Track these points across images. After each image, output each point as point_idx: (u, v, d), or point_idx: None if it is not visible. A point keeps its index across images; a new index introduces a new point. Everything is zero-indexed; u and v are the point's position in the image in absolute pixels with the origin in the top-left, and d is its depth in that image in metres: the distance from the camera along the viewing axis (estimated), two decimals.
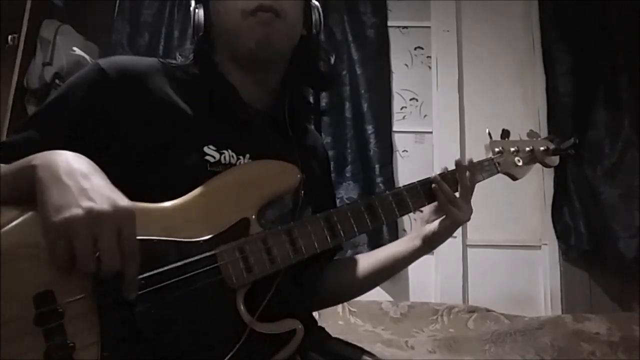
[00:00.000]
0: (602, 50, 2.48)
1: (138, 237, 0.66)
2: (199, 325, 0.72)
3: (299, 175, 0.85)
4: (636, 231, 2.26)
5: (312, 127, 1.13)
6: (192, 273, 0.72)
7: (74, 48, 2.29)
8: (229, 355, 0.71)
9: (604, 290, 2.36)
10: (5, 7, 2.07)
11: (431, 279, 2.39)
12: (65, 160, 0.68)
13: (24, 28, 2.19)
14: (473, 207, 0.98)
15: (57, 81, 2.17)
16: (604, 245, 2.32)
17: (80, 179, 0.65)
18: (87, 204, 0.62)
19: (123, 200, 0.65)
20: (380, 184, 2.42)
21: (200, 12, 0.89)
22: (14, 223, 0.66)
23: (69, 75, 2.15)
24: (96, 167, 0.70)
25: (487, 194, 2.42)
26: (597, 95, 2.46)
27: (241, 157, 0.86)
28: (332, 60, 1.00)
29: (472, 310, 2.14)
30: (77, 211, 0.61)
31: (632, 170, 2.32)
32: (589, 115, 2.43)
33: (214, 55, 0.93)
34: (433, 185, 0.94)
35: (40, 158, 0.68)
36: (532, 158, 1.13)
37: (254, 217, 0.79)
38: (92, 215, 0.62)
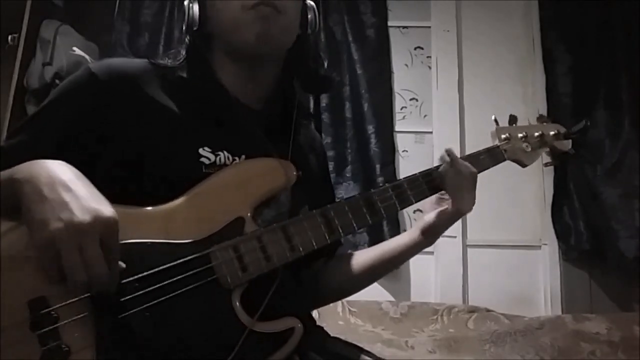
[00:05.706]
0: (602, 50, 2.48)
1: (130, 241, 0.66)
2: (195, 326, 0.71)
3: (294, 173, 0.84)
4: (636, 231, 2.26)
5: (312, 125, 1.13)
6: (186, 274, 0.72)
7: (74, 48, 2.29)
8: (229, 358, 0.70)
9: (604, 290, 2.36)
10: (5, 7, 2.07)
11: (431, 279, 2.37)
12: (47, 171, 0.67)
13: (24, 28, 2.19)
14: (474, 208, 0.96)
15: (57, 81, 2.16)
16: (604, 245, 2.32)
17: (62, 191, 0.65)
18: (67, 216, 0.62)
19: (105, 209, 0.65)
20: (381, 184, 2.40)
21: (195, 7, 0.88)
22: (7, 234, 0.67)
23: (69, 75, 2.15)
24: (79, 174, 0.69)
25: (487, 194, 2.43)
26: (597, 95, 2.46)
27: (237, 157, 0.85)
28: (325, 64, 1.00)
29: (472, 310, 2.14)
30: (58, 225, 0.62)
31: (632, 170, 2.32)
32: (589, 115, 2.42)
33: (208, 52, 0.92)
34: (448, 154, 0.94)
35: (22, 171, 0.68)
36: (542, 143, 1.09)
37: (249, 215, 0.78)
38: (73, 228, 0.62)
